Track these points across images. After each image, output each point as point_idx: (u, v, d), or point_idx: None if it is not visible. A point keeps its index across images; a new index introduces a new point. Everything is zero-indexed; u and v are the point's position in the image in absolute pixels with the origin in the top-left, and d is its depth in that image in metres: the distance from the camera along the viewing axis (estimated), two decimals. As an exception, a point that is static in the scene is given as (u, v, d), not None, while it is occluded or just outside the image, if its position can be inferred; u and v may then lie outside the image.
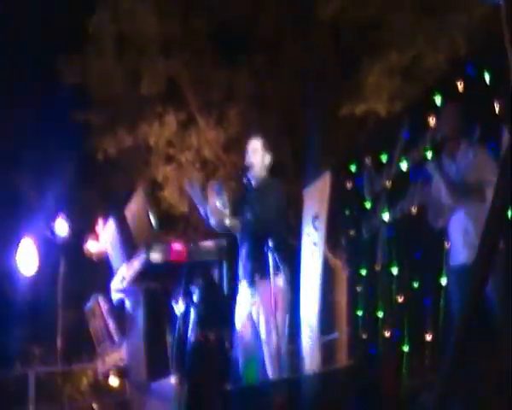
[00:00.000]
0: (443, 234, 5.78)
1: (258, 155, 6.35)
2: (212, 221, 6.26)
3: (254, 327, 6.22)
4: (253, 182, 6.32)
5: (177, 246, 6.92)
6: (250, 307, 6.23)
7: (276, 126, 11.67)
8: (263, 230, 6.04)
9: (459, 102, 5.83)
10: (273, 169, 6.40)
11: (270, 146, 6.41)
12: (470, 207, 5.29)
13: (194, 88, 12.68)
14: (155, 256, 6.96)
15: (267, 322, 6.07)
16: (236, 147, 11.94)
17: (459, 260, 5.34)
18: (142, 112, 12.80)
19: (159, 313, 7.27)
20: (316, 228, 6.63)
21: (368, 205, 7.08)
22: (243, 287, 6.28)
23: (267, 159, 6.37)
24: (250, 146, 6.39)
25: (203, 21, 12.73)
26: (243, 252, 6.33)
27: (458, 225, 5.40)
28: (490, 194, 5.08)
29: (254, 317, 6.22)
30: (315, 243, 6.80)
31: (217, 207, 6.20)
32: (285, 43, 12.34)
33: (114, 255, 8.15)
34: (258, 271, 6.12)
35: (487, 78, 5.87)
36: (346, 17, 10.58)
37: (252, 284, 6.22)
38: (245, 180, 6.29)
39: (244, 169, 6.33)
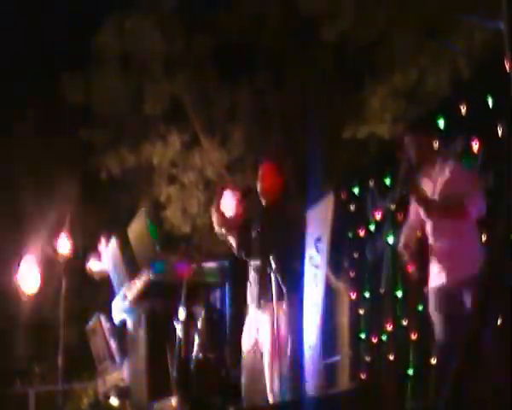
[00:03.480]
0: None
1: (267, 180, 6.37)
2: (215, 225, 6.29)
3: (259, 350, 6.22)
4: (260, 203, 6.35)
5: (180, 265, 6.92)
6: (256, 330, 6.24)
7: (279, 146, 11.69)
8: (267, 253, 6.05)
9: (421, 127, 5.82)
10: (280, 192, 6.41)
11: (280, 170, 6.43)
12: (445, 226, 5.26)
13: (198, 108, 12.70)
14: (157, 276, 6.98)
15: (270, 345, 6.07)
16: (240, 167, 11.97)
17: (436, 282, 5.31)
18: (145, 131, 12.83)
19: (160, 333, 7.25)
20: (318, 250, 6.63)
21: (371, 227, 7.09)
22: (251, 310, 6.29)
23: (277, 183, 6.38)
24: (260, 170, 6.42)
25: (206, 41, 12.79)
26: (250, 276, 6.35)
27: (436, 245, 5.37)
28: (469, 206, 5.08)
29: (259, 340, 6.22)
30: (317, 266, 6.80)
31: (221, 211, 6.23)
32: (288, 63, 12.38)
33: (116, 275, 8.16)
34: (264, 294, 6.12)
35: (489, 100, 5.91)
36: (349, 39, 10.62)
37: (258, 307, 6.23)
38: (253, 200, 6.33)
39: (253, 191, 6.36)
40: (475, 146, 5.95)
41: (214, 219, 6.32)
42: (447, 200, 5.22)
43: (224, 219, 6.27)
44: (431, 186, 5.39)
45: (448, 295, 5.18)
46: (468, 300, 5.02)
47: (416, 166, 5.43)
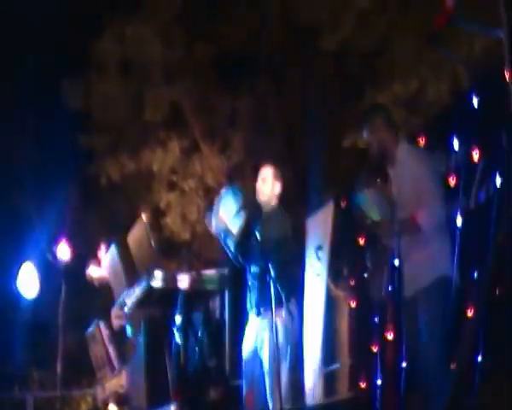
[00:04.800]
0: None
1: (267, 184, 6.37)
2: (214, 228, 6.28)
3: (258, 357, 6.22)
4: (261, 210, 6.34)
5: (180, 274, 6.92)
6: (255, 339, 6.23)
7: (279, 154, 11.70)
8: (267, 260, 6.04)
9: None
10: (278, 198, 6.41)
11: (280, 175, 6.43)
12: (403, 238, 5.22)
13: (198, 114, 12.72)
14: (157, 283, 6.96)
15: (269, 353, 6.07)
16: (240, 174, 11.97)
17: (405, 293, 5.29)
18: (145, 138, 12.84)
19: (159, 340, 7.25)
20: (319, 258, 6.64)
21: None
22: (251, 318, 6.29)
23: (277, 188, 6.38)
24: (260, 174, 6.41)
25: (207, 48, 12.80)
26: (249, 283, 6.34)
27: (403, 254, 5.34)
28: (420, 220, 5.05)
29: (258, 348, 6.22)
30: (318, 274, 6.80)
31: (220, 215, 6.23)
32: (288, 71, 12.40)
33: (116, 281, 8.14)
34: (263, 301, 6.12)
35: (489, 110, 5.92)
36: (349, 47, 10.65)
37: (257, 314, 6.23)
38: (252, 207, 6.32)
39: (252, 196, 6.36)
40: (475, 155, 5.96)
41: (213, 222, 6.33)
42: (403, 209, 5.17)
43: (223, 223, 6.27)
44: (396, 181, 5.34)
45: (406, 306, 5.18)
46: (422, 313, 5.01)
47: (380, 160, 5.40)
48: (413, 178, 5.17)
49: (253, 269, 6.29)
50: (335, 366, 6.68)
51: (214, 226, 6.30)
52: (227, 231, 6.25)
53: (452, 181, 6.17)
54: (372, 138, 5.44)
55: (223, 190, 6.46)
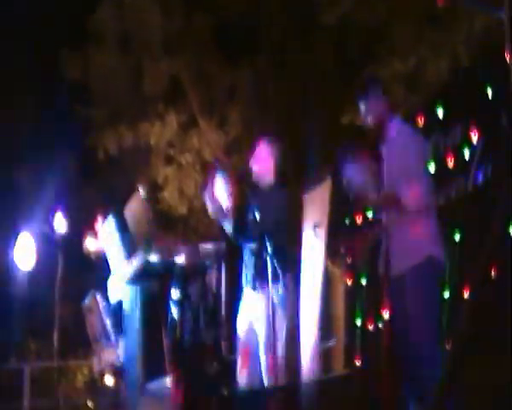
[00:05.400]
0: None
1: (264, 160, 6.38)
2: (210, 209, 6.31)
3: (254, 333, 6.26)
4: (257, 186, 6.36)
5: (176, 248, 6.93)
6: (251, 313, 6.27)
7: (278, 130, 11.68)
8: (263, 236, 6.07)
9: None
10: (274, 174, 6.42)
11: (276, 151, 6.44)
12: (392, 213, 5.25)
13: (197, 89, 12.69)
14: (154, 256, 6.98)
15: (265, 328, 6.10)
16: (237, 149, 11.97)
17: (394, 271, 5.33)
18: (143, 111, 12.81)
19: (156, 313, 7.27)
20: (316, 236, 6.67)
21: (369, 214, 7.10)
22: (246, 293, 6.32)
23: (273, 164, 6.39)
24: (257, 150, 6.42)
25: (206, 21, 12.75)
26: (245, 258, 6.37)
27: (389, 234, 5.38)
28: (404, 200, 5.07)
29: (254, 323, 6.25)
30: (315, 251, 6.83)
31: (215, 196, 6.25)
32: (288, 47, 12.37)
33: (112, 254, 8.16)
34: (259, 277, 6.15)
35: (489, 90, 5.92)
36: (349, 23, 10.61)
37: (253, 290, 6.26)
38: (248, 183, 6.34)
39: (249, 172, 6.37)
40: (474, 136, 5.97)
41: (208, 205, 6.34)
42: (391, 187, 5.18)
43: (218, 205, 6.29)
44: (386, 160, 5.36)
45: (393, 286, 5.21)
46: (408, 292, 5.05)
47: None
48: (402, 156, 5.17)
49: (250, 245, 6.32)
50: (331, 342, 6.73)
51: (211, 209, 6.33)
52: (223, 211, 6.28)
53: (450, 161, 6.20)
54: (366, 111, 5.43)
55: (215, 173, 6.50)
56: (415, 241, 5.08)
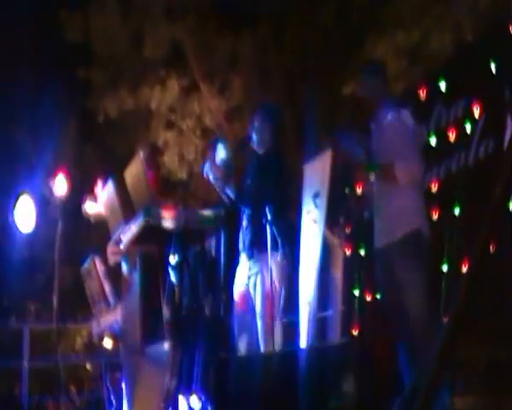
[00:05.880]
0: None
1: (262, 127, 6.40)
2: (211, 177, 6.33)
3: (250, 299, 6.31)
4: (256, 153, 6.39)
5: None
6: (248, 279, 6.32)
7: (278, 98, 11.68)
8: (262, 203, 6.11)
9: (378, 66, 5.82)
10: (274, 142, 6.45)
11: (275, 119, 6.46)
12: (382, 185, 5.32)
13: (198, 54, 12.64)
14: (153, 221, 6.99)
15: (262, 295, 6.16)
16: (238, 116, 11.96)
17: (376, 244, 5.41)
18: (144, 74, 12.78)
19: (155, 277, 7.29)
20: (316, 206, 6.69)
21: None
22: (243, 258, 6.38)
23: (271, 131, 6.41)
24: (255, 116, 6.44)
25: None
26: (243, 224, 6.42)
27: (376, 205, 5.45)
28: (398, 171, 5.13)
29: (251, 289, 6.31)
30: (315, 221, 6.85)
31: (216, 164, 6.28)
32: (290, 16, 12.30)
33: (112, 217, 8.16)
34: (257, 244, 6.20)
35: (492, 64, 5.92)
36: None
37: (250, 256, 6.31)
38: (247, 150, 6.37)
39: (247, 139, 6.40)
40: (476, 110, 5.98)
41: (209, 172, 6.37)
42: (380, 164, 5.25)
43: (219, 172, 6.31)
44: (377, 135, 5.42)
45: (381, 256, 5.29)
46: (398, 261, 5.13)
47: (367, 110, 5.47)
48: (394, 134, 5.24)
49: (249, 211, 6.36)
50: (329, 312, 6.79)
51: (211, 176, 6.35)
52: (224, 178, 6.31)
53: (452, 134, 6.22)
54: (361, 92, 5.51)
55: (215, 141, 6.53)
56: (403, 213, 5.16)
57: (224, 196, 6.51)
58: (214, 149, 6.45)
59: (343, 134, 5.53)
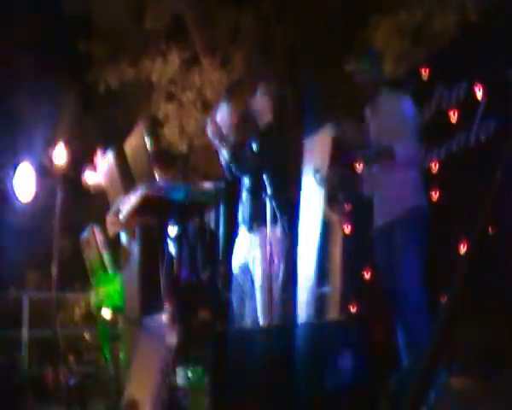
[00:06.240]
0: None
1: (263, 101, 6.42)
2: (210, 132, 6.38)
3: (249, 273, 6.35)
4: (256, 126, 6.41)
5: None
6: (247, 253, 6.36)
7: (280, 73, 11.67)
8: (262, 176, 6.13)
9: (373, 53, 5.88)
10: (274, 117, 6.46)
11: (276, 93, 6.48)
12: (381, 165, 5.38)
13: (200, 27, 12.61)
14: (152, 192, 7.00)
15: (262, 269, 6.20)
16: (239, 90, 11.94)
17: (376, 222, 5.45)
18: (145, 47, 12.75)
19: (154, 249, 7.30)
20: (317, 181, 6.70)
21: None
22: (242, 232, 6.41)
23: (272, 105, 6.43)
24: (257, 90, 6.46)
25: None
26: (243, 197, 6.45)
27: (376, 184, 5.50)
28: (400, 157, 5.20)
29: (250, 263, 6.34)
30: (315, 197, 6.87)
31: (218, 121, 6.32)
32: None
33: (112, 188, 8.18)
34: (256, 217, 6.23)
35: (496, 46, 5.93)
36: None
37: (249, 230, 6.34)
38: (248, 123, 6.39)
39: (248, 112, 6.42)
40: (479, 91, 5.99)
41: (209, 128, 6.40)
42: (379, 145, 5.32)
43: (218, 130, 6.34)
44: (375, 121, 5.47)
45: (381, 234, 5.36)
46: (398, 237, 5.19)
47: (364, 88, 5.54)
48: (392, 115, 5.30)
49: (248, 183, 6.39)
50: (327, 288, 6.82)
51: (210, 133, 6.39)
52: (222, 139, 6.33)
53: (453, 115, 6.24)
54: (358, 79, 5.58)
55: (221, 100, 6.56)
56: (402, 191, 5.22)
57: (223, 162, 6.51)
58: (218, 107, 6.51)
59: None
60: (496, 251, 4.51)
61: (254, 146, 6.33)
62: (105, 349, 8.20)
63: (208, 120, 6.48)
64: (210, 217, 8.04)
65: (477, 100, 5.97)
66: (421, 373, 2.82)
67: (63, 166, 8.31)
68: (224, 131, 6.38)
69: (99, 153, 8.84)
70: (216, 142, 6.41)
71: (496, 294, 5.21)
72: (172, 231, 6.83)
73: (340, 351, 4.81)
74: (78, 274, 10.13)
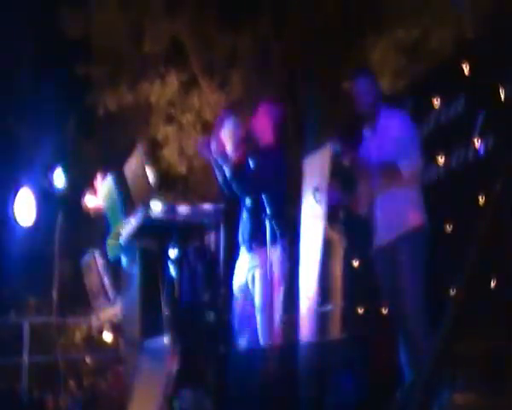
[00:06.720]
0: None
1: (263, 120, 6.40)
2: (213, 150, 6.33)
3: (249, 293, 6.32)
4: (256, 147, 6.38)
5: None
6: (247, 274, 6.32)
7: (278, 93, 11.69)
8: (262, 196, 6.11)
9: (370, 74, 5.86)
10: (274, 136, 6.45)
11: (276, 112, 6.46)
12: (384, 183, 5.35)
13: (198, 50, 12.66)
14: (153, 215, 6.98)
15: (262, 289, 6.16)
16: (238, 110, 11.95)
17: (377, 242, 5.44)
18: (144, 69, 12.79)
19: (154, 271, 7.29)
20: (317, 201, 6.69)
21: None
22: (243, 252, 6.38)
23: (272, 125, 6.41)
24: (256, 111, 6.44)
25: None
26: (243, 216, 6.42)
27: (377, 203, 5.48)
28: (406, 173, 5.17)
29: (250, 284, 6.31)
30: (315, 216, 6.87)
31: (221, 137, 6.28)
32: (290, 10, 12.30)
33: (112, 212, 8.17)
34: (256, 237, 6.20)
35: (493, 60, 5.93)
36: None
37: (249, 249, 6.31)
38: (249, 143, 6.37)
39: (248, 132, 6.40)
40: (476, 106, 5.99)
41: (212, 145, 6.36)
42: (385, 164, 5.30)
43: (221, 147, 6.31)
44: (375, 143, 5.45)
45: (382, 254, 5.32)
46: (401, 258, 5.16)
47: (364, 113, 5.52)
48: (391, 132, 5.28)
49: (248, 203, 6.36)
50: (328, 307, 6.80)
51: (213, 150, 6.33)
52: (224, 156, 6.30)
53: (451, 131, 6.23)
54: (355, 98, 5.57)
55: (224, 115, 6.52)
56: (406, 209, 5.20)
57: (222, 182, 6.47)
58: (221, 123, 6.45)
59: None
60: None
61: (254, 165, 6.31)
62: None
63: (210, 137, 6.42)
64: (210, 239, 8.02)
65: (475, 114, 5.96)
66: (422, 386, 2.78)
67: (63, 190, 8.29)
68: (228, 147, 6.35)
69: (99, 176, 8.84)
70: (217, 159, 6.37)
71: (498, 306, 5.17)
72: (173, 253, 6.79)
73: (342, 370, 4.77)
74: (78, 298, 10.09)
